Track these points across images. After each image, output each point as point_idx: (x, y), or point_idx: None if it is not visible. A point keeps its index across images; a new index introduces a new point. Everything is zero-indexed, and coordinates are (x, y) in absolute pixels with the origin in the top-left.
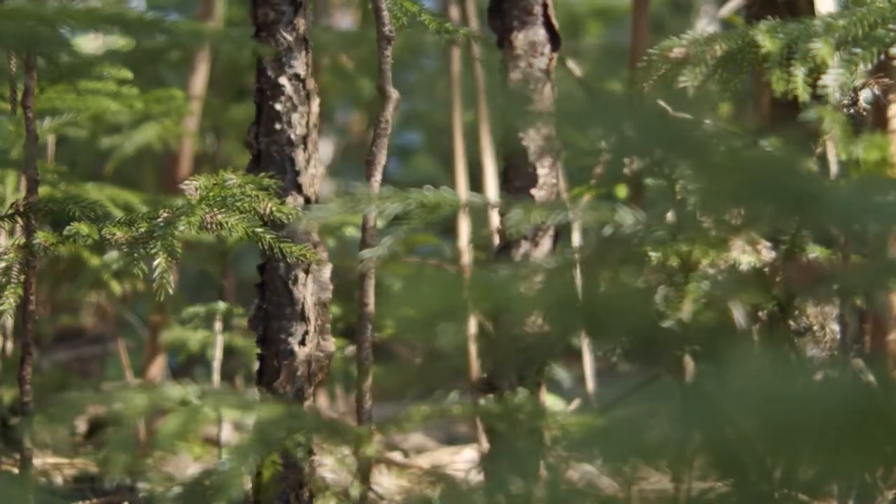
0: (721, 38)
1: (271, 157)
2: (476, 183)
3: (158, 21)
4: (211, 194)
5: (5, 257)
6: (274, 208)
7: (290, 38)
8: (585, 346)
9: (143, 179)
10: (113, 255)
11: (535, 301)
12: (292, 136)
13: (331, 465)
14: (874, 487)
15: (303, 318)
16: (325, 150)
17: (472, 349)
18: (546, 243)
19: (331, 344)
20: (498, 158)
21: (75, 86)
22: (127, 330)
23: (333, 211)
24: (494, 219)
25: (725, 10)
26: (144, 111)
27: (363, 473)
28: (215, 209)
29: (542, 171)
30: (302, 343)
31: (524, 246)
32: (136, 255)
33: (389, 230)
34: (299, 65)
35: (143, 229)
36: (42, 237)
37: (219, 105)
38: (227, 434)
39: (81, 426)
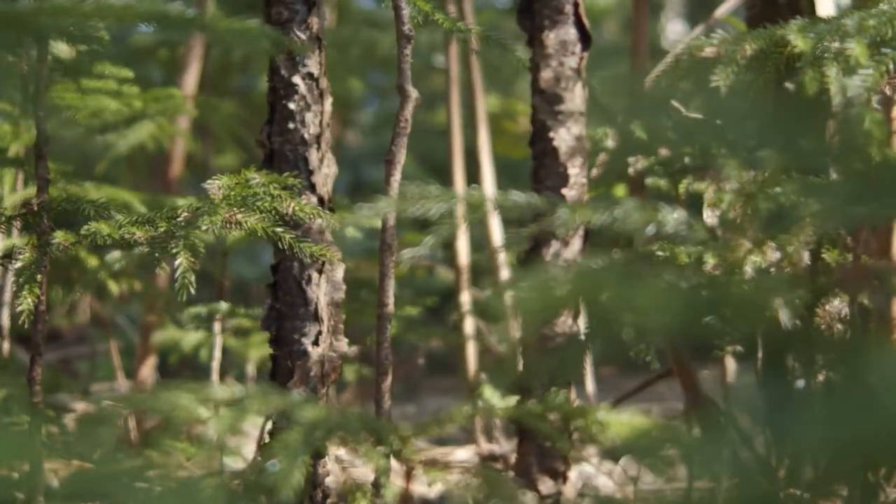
0: (750, 37)
1: (284, 157)
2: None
3: (199, 18)
4: (232, 193)
5: (21, 257)
6: (297, 208)
7: (303, 36)
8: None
9: (124, 177)
10: (115, 255)
11: (669, 298)
12: (306, 136)
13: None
14: (878, 486)
15: (316, 318)
16: None
17: (471, 350)
18: (576, 243)
19: (344, 344)
20: (494, 158)
21: (79, 84)
22: (112, 331)
23: (383, 209)
24: (493, 220)
25: (721, 11)
26: (143, 110)
27: (406, 474)
28: (235, 208)
29: (573, 170)
30: (315, 343)
31: (555, 246)
32: (156, 254)
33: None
34: (313, 64)
35: (162, 229)
36: (61, 237)
37: (214, 104)
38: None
39: (71, 426)
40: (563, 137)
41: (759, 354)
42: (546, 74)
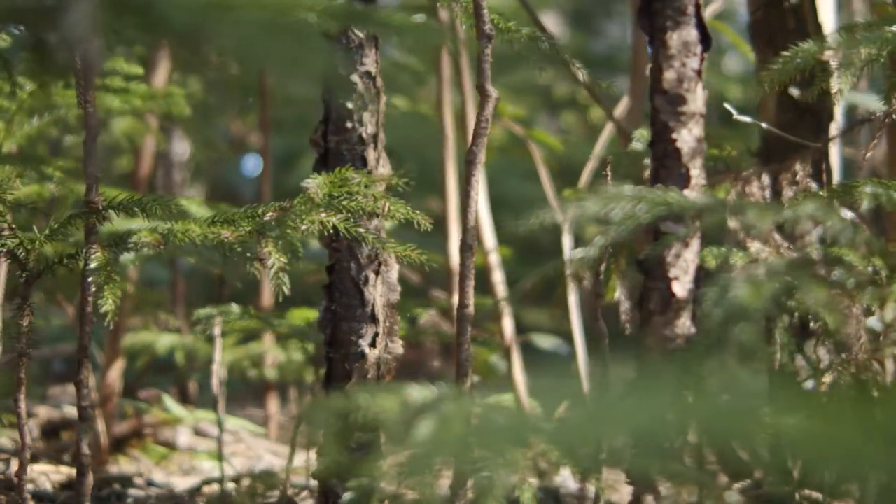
0: (864, 41)
1: (341, 156)
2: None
3: (372, 12)
4: (324, 192)
5: (95, 256)
6: (391, 207)
7: (360, 34)
8: (581, 346)
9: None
10: (128, 255)
11: None
12: (363, 135)
13: None
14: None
15: (373, 319)
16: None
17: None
18: (695, 244)
19: (399, 346)
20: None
21: (104, 81)
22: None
23: (590, 208)
24: (486, 222)
25: (708, 13)
26: (141, 108)
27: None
28: (321, 209)
29: (695, 171)
30: (372, 345)
31: (676, 247)
32: (248, 254)
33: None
34: (370, 62)
35: (247, 228)
36: (149, 236)
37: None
38: (185, 438)
39: (35, 430)
40: (685, 139)
41: None
42: (669, 75)
